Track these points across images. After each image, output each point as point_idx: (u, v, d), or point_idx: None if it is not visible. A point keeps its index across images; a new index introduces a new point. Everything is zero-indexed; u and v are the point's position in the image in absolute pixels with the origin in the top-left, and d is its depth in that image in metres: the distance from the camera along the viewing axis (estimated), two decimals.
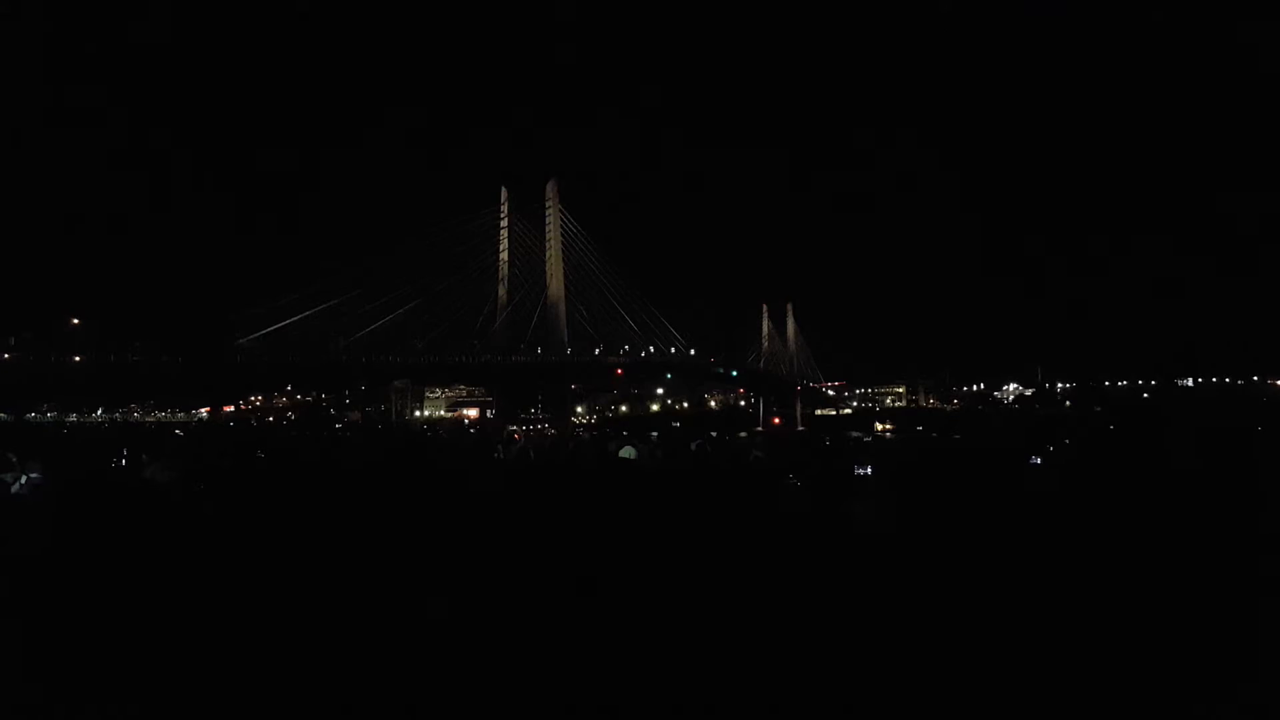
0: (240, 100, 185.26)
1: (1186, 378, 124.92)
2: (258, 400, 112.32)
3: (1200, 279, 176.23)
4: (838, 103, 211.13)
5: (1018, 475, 12.54)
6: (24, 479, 9.84)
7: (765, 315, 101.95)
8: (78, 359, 57.24)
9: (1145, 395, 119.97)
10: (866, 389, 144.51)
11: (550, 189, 76.40)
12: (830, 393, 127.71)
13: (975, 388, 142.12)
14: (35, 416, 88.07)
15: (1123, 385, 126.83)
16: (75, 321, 59.19)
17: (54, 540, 7.19)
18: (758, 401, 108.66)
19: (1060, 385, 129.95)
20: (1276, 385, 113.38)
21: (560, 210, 75.93)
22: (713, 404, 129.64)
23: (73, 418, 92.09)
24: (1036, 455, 14.18)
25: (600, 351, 78.32)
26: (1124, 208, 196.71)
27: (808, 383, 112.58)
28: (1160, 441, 22.28)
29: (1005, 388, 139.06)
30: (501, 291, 74.29)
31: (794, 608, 5.49)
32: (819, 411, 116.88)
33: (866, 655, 4.73)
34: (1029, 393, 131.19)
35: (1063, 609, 5.33)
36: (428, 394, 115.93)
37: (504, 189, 75.51)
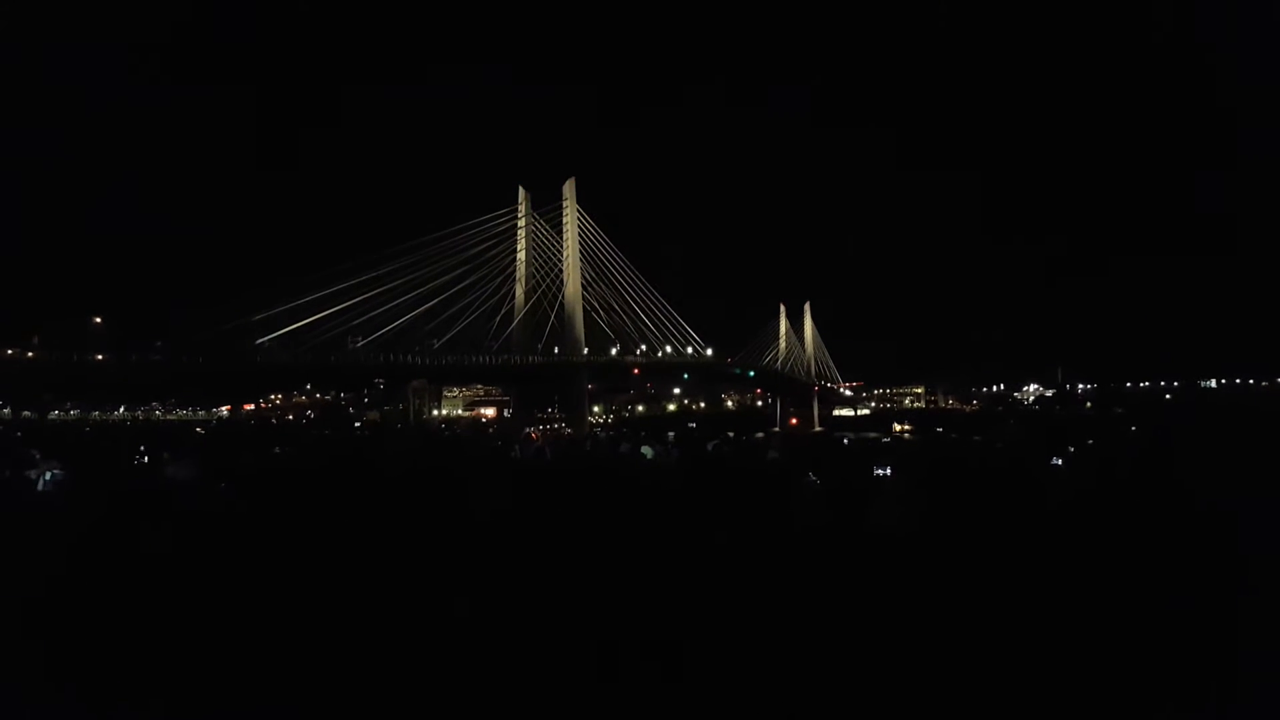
0: (257, 97, 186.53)
1: (1209, 379, 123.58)
2: (277, 399, 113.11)
3: (1221, 280, 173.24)
4: (852, 101, 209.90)
5: (1038, 476, 12.46)
6: (48, 475, 10.00)
7: (783, 315, 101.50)
8: (100, 358, 57.75)
9: (1168, 397, 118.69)
10: (884, 389, 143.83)
11: (568, 188, 76.37)
12: (848, 393, 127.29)
13: (995, 389, 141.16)
14: (58, 415, 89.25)
15: (1144, 386, 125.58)
16: (98, 321, 59.77)
17: (78, 536, 7.26)
18: (774, 402, 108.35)
19: (1081, 386, 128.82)
20: None
21: (578, 210, 75.91)
22: (730, 404, 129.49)
23: (95, 416, 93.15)
24: (1058, 457, 14.08)
25: (617, 351, 78.20)
26: (1144, 208, 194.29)
27: (825, 383, 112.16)
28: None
29: (1025, 388, 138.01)
30: (519, 291, 74.27)
31: (809, 608, 5.45)
32: (837, 412, 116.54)
33: (879, 657, 4.69)
34: (1049, 394, 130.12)
35: (1074, 612, 5.28)
36: (445, 393, 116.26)
37: (521, 188, 75.60)
